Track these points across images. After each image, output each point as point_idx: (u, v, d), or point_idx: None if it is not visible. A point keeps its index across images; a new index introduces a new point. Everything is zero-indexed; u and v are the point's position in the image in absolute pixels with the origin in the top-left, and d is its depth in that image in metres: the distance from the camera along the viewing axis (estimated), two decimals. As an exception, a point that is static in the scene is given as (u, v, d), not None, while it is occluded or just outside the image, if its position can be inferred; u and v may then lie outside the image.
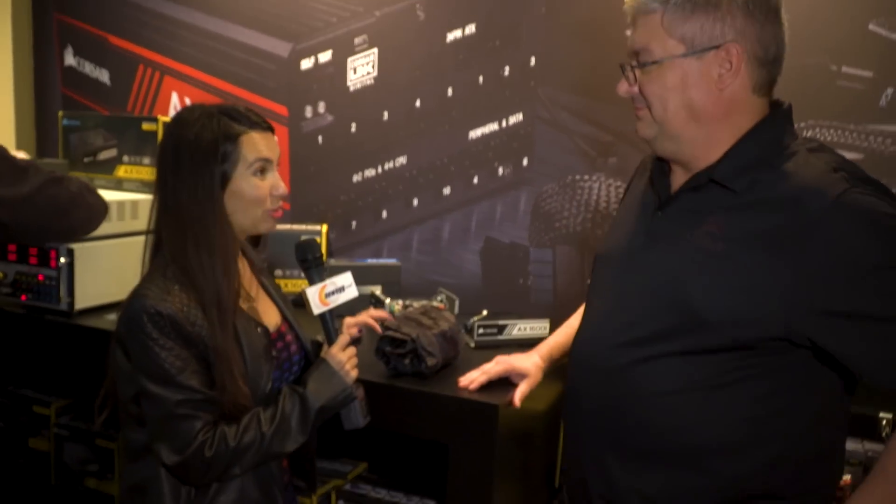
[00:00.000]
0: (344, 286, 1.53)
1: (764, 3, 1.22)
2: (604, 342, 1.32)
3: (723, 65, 1.21)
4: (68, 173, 2.47)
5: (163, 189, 1.47)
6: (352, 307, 1.60)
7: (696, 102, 1.23)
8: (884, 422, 1.86)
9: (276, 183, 1.49)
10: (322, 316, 1.52)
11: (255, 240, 1.61)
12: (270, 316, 1.58)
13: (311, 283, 1.52)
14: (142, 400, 1.41)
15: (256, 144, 1.46)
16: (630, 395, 1.28)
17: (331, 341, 1.53)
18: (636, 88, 1.27)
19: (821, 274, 1.13)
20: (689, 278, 1.22)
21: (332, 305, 1.52)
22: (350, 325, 1.66)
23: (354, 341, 1.61)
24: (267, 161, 1.48)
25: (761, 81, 1.24)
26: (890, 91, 1.97)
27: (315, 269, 1.54)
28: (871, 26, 1.97)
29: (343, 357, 1.50)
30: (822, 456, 1.26)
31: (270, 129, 1.52)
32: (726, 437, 1.22)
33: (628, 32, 1.32)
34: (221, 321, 1.41)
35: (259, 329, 1.50)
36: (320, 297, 1.50)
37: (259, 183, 1.47)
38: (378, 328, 1.71)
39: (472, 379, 1.71)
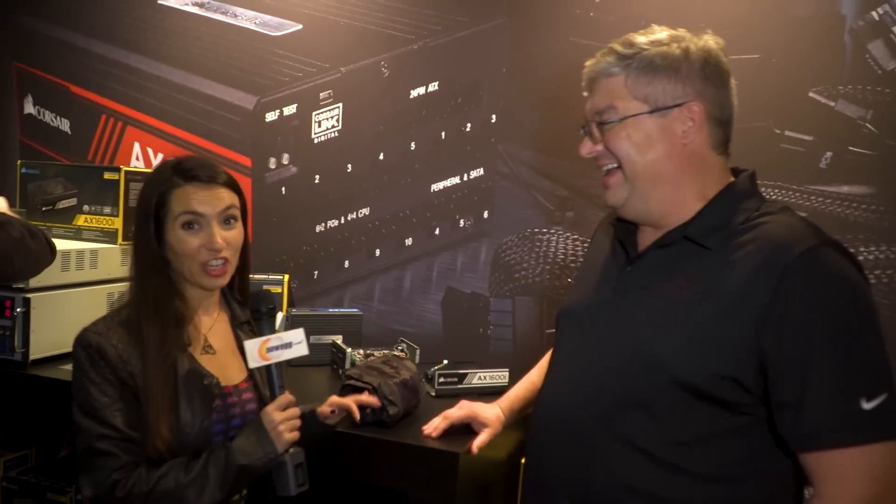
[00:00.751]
0: (292, 342, 1.45)
1: (717, 70, 1.29)
2: (573, 397, 1.33)
3: (685, 122, 1.27)
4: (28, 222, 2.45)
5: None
6: (317, 359, 1.57)
7: (660, 157, 1.28)
8: None
9: (209, 239, 1.46)
10: (268, 369, 1.45)
11: (243, 294, 1.63)
12: (231, 371, 1.55)
13: (261, 334, 1.47)
14: (75, 430, 1.43)
15: (186, 198, 1.46)
16: (599, 450, 1.27)
17: (273, 397, 1.46)
18: (600, 146, 1.31)
19: (779, 318, 1.16)
20: (658, 329, 1.24)
21: (273, 361, 1.44)
22: (331, 403, 1.60)
23: (327, 425, 1.58)
24: (197, 215, 1.46)
25: (718, 140, 1.31)
26: (829, 154, 2.09)
27: (266, 320, 1.49)
28: (811, 94, 2.09)
29: (277, 417, 1.42)
30: None
31: (219, 183, 1.50)
32: (694, 495, 1.23)
33: (585, 94, 1.37)
34: (153, 365, 1.42)
35: (206, 380, 1.48)
36: (260, 350, 1.43)
37: (185, 237, 1.46)
38: (357, 415, 1.62)
39: (435, 426, 1.72)
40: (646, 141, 1.27)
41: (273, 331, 1.47)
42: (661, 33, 1.30)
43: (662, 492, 1.23)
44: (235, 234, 1.51)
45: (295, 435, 1.44)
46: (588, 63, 1.34)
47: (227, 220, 1.50)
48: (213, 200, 1.47)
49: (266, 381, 1.48)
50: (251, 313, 1.51)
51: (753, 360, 1.18)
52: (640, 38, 1.29)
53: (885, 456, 1.13)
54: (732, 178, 1.34)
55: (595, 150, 1.33)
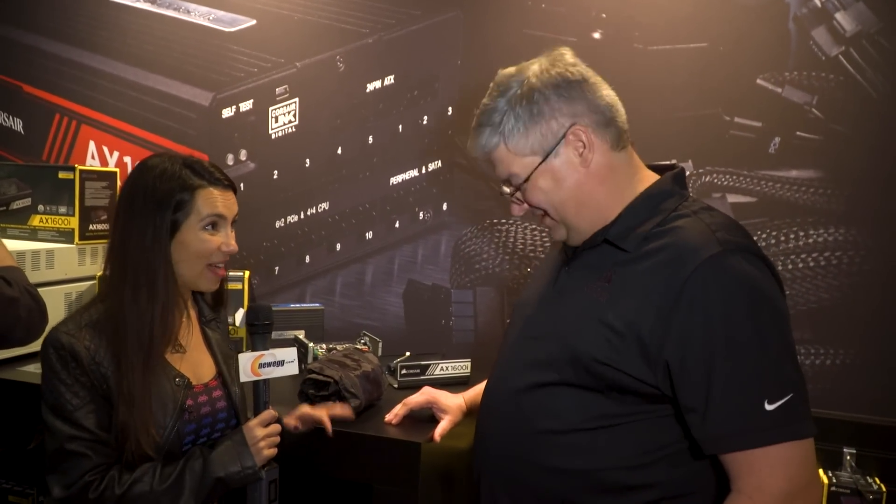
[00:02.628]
0: (284, 361, 1.49)
1: (570, 84, 1.29)
2: (505, 384, 1.39)
3: (577, 147, 1.30)
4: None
5: (114, 232, 1.49)
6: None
7: (573, 188, 1.31)
8: (848, 456, 2.00)
9: (227, 240, 1.50)
10: (255, 384, 1.49)
11: (218, 297, 1.63)
12: (202, 369, 1.56)
13: (253, 349, 1.49)
14: (44, 430, 1.42)
15: (213, 200, 1.48)
16: (522, 434, 1.33)
17: (256, 412, 1.50)
18: (526, 206, 1.36)
19: (681, 325, 1.19)
20: (576, 325, 1.29)
21: (263, 377, 1.48)
22: (300, 416, 1.62)
23: (289, 434, 1.59)
24: (220, 217, 1.49)
25: (614, 139, 1.32)
26: (777, 139, 2.13)
27: (260, 335, 1.50)
28: (758, 81, 2.14)
29: (259, 433, 1.46)
30: (708, 500, 1.29)
31: (231, 188, 1.54)
32: (609, 479, 1.26)
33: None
34: (144, 365, 1.41)
35: (177, 379, 1.48)
36: (253, 365, 1.47)
37: (208, 237, 1.48)
38: (329, 428, 1.63)
39: (395, 413, 1.75)
40: (555, 184, 1.31)
41: (265, 347, 1.49)
42: (509, 82, 1.32)
43: (581, 476, 1.28)
44: (234, 237, 1.55)
45: (273, 451, 1.48)
46: (468, 145, 1.39)
47: (232, 225, 1.55)
48: (230, 205, 1.52)
49: (253, 396, 1.51)
50: (247, 326, 1.51)
51: (658, 366, 1.21)
52: (496, 101, 1.32)
53: (796, 452, 1.16)
54: (647, 171, 1.36)
55: (524, 209, 1.38)
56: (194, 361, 1.54)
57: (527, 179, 1.31)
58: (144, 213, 1.45)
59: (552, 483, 1.30)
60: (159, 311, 1.43)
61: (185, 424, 1.47)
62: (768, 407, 1.15)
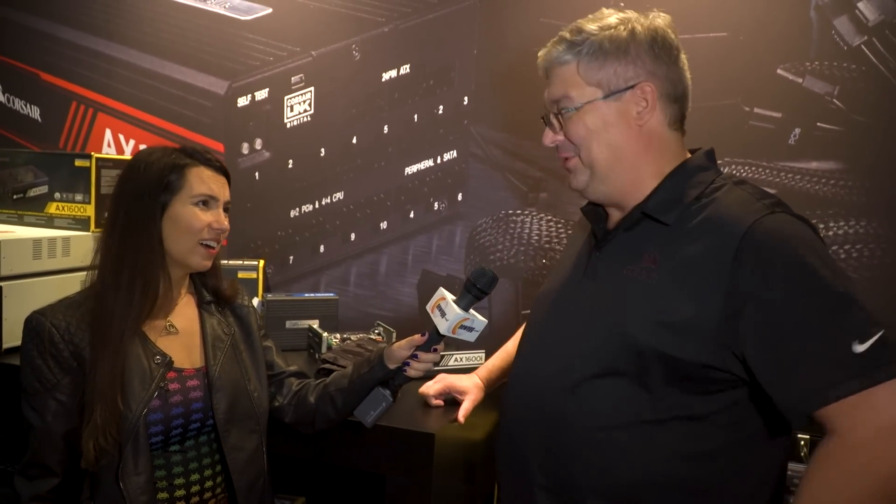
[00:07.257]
0: (474, 329, 1.48)
1: (666, 47, 1.30)
2: (540, 378, 1.34)
3: (639, 103, 1.28)
4: None
5: (108, 220, 1.51)
6: (294, 344, 1.55)
7: (618, 140, 1.29)
8: (802, 443, 1.97)
9: (218, 218, 1.52)
10: (445, 338, 1.49)
11: (218, 292, 1.63)
12: (188, 355, 1.55)
13: (457, 301, 1.46)
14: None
15: (204, 178, 1.50)
16: (565, 431, 1.28)
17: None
18: (561, 136, 1.33)
19: (739, 290, 1.15)
20: (625, 308, 1.25)
21: (455, 335, 1.47)
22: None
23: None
24: (211, 197, 1.51)
25: (674, 116, 1.31)
26: (797, 130, 2.11)
27: (470, 296, 1.46)
28: (779, 71, 2.11)
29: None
30: (756, 494, 1.26)
31: (224, 173, 1.56)
32: (659, 476, 1.23)
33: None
34: (117, 339, 1.41)
35: (157, 358, 1.47)
36: (455, 326, 1.46)
37: (198, 213, 1.49)
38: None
39: (434, 397, 1.79)
40: (602, 126, 1.29)
41: (467, 310, 1.46)
42: (609, 17, 1.31)
43: (630, 471, 1.24)
44: (228, 223, 1.56)
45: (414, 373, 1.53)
46: (540, 53, 1.36)
47: (225, 210, 1.56)
48: (222, 187, 1.55)
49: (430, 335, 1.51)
50: (467, 281, 1.46)
51: (725, 344, 1.17)
52: (589, 25, 1.30)
53: (891, 391, 1.08)
54: (689, 155, 1.35)
55: (557, 140, 1.34)
56: (187, 345, 1.55)
57: (578, 109, 1.29)
58: (136, 195, 1.48)
59: (591, 480, 1.26)
60: (139, 286, 1.44)
61: (171, 407, 1.46)
62: (858, 348, 1.08)
